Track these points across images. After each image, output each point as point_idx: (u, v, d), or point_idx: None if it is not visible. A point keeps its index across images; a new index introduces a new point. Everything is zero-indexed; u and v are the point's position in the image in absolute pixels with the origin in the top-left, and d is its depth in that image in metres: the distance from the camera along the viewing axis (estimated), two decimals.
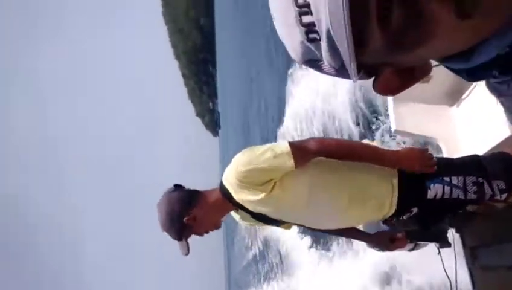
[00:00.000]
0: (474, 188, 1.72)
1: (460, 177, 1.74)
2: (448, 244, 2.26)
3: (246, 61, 25.03)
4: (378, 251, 2.18)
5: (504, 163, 1.81)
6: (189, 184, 1.88)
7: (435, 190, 1.74)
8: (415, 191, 1.77)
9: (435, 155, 1.80)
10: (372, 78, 0.54)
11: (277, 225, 1.92)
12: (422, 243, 2.22)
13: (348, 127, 7.19)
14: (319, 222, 1.90)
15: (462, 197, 1.73)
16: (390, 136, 5.07)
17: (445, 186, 1.73)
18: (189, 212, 1.73)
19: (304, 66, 0.54)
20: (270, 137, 14.73)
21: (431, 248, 2.27)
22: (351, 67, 0.45)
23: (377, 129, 6.07)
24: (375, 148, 1.80)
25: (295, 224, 1.94)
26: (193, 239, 1.81)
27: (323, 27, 0.44)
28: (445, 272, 2.25)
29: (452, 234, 2.42)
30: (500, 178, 1.73)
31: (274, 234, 12.42)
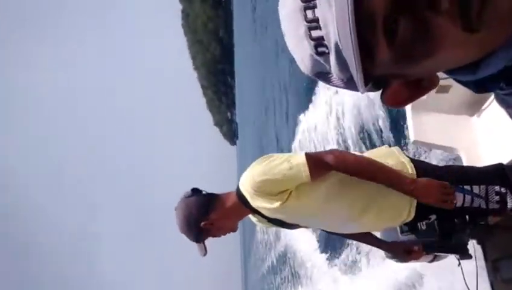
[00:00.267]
0: (497, 197, 1.70)
1: (482, 187, 1.71)
2: (469, 256, 2.21)
3: (263, 73, 25.15)
4: (397, 261, 2.15)
5: None
6: (207, 189, 1.90)
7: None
8: None
9: (455, 163, 1.77)
10: (381, 90, 0.55)
11: (293, 229, 1.93)
12: (442, 254, 2.19)
13: (363, 137, 7.14)
14: (333, 226, 1.93)
15: (483, 206, 1.70)
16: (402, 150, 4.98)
17: (466, 195, 1.71)
18: (207, 217, 1.76)
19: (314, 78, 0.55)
20: (285, 147, 14.74)
21: (451, 260, 2.23)
22: (359, 79, 0.47)
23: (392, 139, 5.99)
24: (394, 172, 1.72)
25: (310, 227, 1.95)
26: (210, 241, 1.85)
27: (331, 40, 0.45)
28: (466, 285, 2.21)
29: (473, 246, 2.37)
30: None
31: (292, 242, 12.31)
